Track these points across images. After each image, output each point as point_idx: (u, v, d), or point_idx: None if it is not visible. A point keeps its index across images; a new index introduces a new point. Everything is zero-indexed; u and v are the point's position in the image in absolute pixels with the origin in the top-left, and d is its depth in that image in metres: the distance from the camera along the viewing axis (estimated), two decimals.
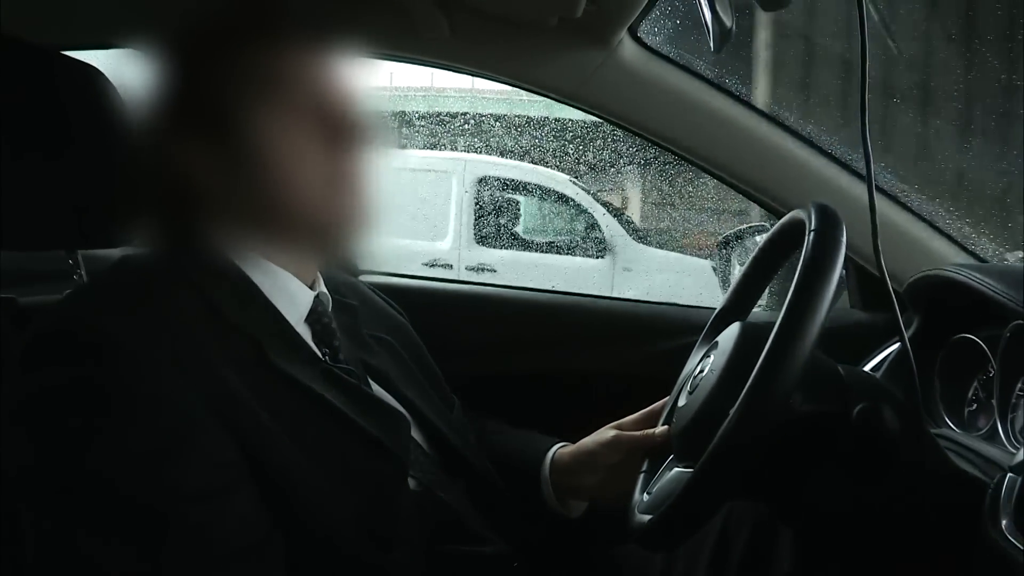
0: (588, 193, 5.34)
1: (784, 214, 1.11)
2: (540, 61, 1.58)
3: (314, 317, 1.01)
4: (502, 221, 5.34)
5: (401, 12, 1.47)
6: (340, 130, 0.94)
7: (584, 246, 5.32)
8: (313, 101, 0.94)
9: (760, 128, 1.60)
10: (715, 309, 1.25)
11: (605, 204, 5.37)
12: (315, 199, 0.94)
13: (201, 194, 0.92)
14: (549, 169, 5.16)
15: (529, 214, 5.58)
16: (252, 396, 0.84)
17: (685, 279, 4.93)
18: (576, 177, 5.25)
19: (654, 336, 1.73)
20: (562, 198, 5.38)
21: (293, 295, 0.98)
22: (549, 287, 1.95)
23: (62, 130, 1.06)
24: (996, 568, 0.84)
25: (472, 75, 1.66)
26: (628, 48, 1.57)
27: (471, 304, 1.80)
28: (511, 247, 5.31)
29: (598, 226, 5.29)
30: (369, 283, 1.32)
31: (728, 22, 1.02)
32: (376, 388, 1.07)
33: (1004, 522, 0.84)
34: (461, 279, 1.86)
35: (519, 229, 5.48)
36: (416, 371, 1.20)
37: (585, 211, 5.34)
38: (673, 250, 5.33)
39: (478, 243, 5.19)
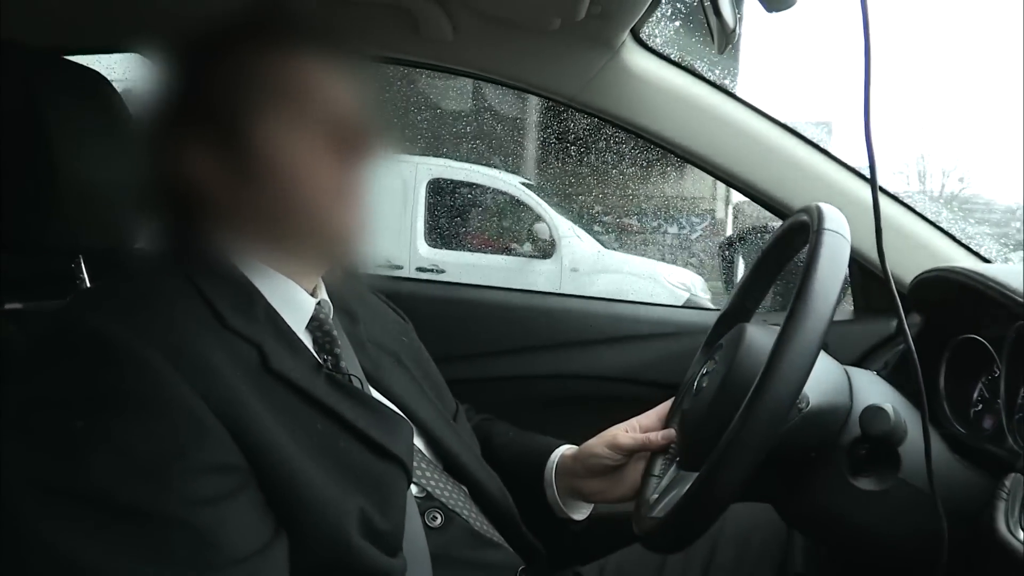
0: (538, 195, 5.36)
1: (788, 215, 1.10)
2: (542, 64, 1.58)
3: (315, 324, 1.01)
4: (452, 223, 5.37)
5: (404, 15, 1.47)
6: (347, 139, 0.94)
7: (533, 247, 5.35)
8: (320, 109, 0.94)
9: (763, 129, 1.60)
10: (719, 311, 1.25)
11: (555, 206, 5.40)
12: (320, 207, 0.94)
13: (206, 200, 0.92)
14: (500, 172, 5.19)
15: (479, 216, 5.61)
16: (255, 401, 0.84)
17: (631, 279, 4.98)
18: (526, 179, 5.27)
19: (660, 338, 1.73)
20: (512, 200, 5.40)
21: (295, 302, 0.98)
22: (551, 289, 1.95)
23: (65, 135, 1.06)
24: (1005, 568, 0.84)
25: (474, 78, 1.66)
26: (630, 50, 1.57)
27: (476, 306, 1.80)
28: (461, 248, 5.34)
29: (547, 227, 5.32)
30: (374, 287, 1.32)
31: (732, 23, 1.02)
32: (377, 395, 1.06)
33: (1012, 522, 0.84)
34: (468, 283, 1.85)
35: (469, 230, 5.51)
36: (419, 378, 1.19)
37: (534, 213, 5.36)
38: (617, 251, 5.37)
39: (429, 244, 5.22)
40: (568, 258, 5.23)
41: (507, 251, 5.47)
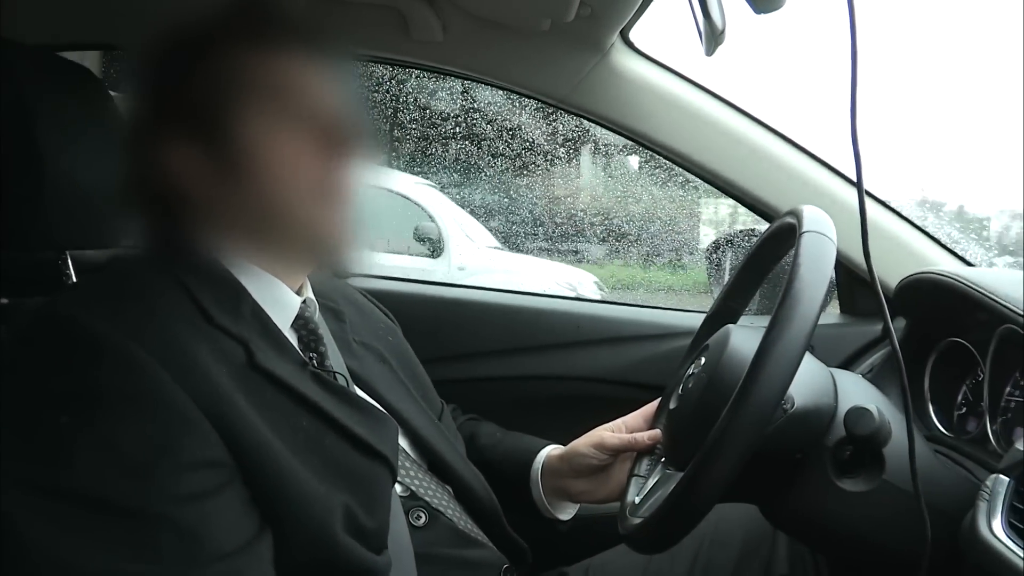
0: (437, 194, 5.34)
1: (775, 218, 1.11)
2: (532, 65, 1.58)
3: (300, 323, 1.01)
4: None
5: (395, 15, 1.47)
6: (331, 137, 0.94)
7: (420, 246, 5.34)
8: (304, 107, 0.93)
9: (751, 132, 1.61)
10: (706, 313, 1.25)
11: (451, 205, 5.37)
12: (305, 206, 0.93)
13: (189, 197, 0.92)
14: (395, 171, 5.19)
15: (369, 214, 5.59)
16: (241, 398, 0.84)
17: (515, 276, 5.00)
18: (424, 179, 5.26)
19: (646, 339, 1.73)
20: (403, 199, 5.38)
21: (281, 300, 0.98)
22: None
23: (54, 131, 1.05)
24: (987, 568, 0.84)
25: (464, 78, 1.67)
26: (620, 52, 1.57)
27: (463, 307, 1.80)
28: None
29: (436, 226, 5.30)
30: (360, 287, 1.32)
31: (720, 25, 1.02)
32: (362, 394, 1.06)
33: (995, 523, 0.85)
34: (452, 283, 1.86)
35: (363, 230, 5.48)
36: (404, 377, 1.19)
37: (425, 211, 5.34)
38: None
39: None
40: (456, 257, 5.21)
41: (398, 250, 5.46)
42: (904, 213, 1.62)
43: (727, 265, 1.78)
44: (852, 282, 1.67)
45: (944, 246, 1.61)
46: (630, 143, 1.63)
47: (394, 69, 2.73)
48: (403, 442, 1.10)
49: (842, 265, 1.62)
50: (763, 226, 1.32)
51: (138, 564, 0.75)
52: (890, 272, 1.44)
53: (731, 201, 1.68)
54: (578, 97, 1.61)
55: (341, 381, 1.00)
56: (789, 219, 1.01)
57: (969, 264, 1.60)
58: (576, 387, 1.74)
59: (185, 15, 0.96)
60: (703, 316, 1.25)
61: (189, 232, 0.93)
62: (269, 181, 0.92)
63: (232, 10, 0.96)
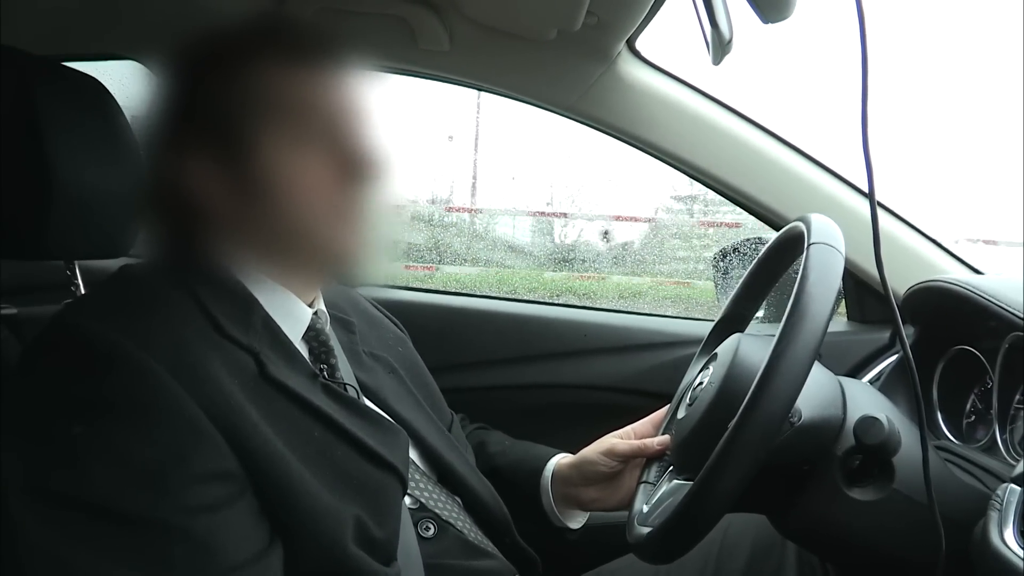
0: None
1: (782, 227, 1.11)
2: (539, 73, 1.58)
3: (311, 335, 1.00)
4: None
5: (402, 25, 1.48)
6: (348, 154, 0.94)
7: None
8: (321, 122, 0.93)
9: (758, 140, 1.61)
10: (714, 321, 1.25)
11: None
12: (321, 223, 0.93)
13: (208, 212, 0.92)
14: None
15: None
16: (253, 409, 0.84)
17: None
18: None
19: (653, 348, 1.73)
20: None
21: (292, 313, 0.98)
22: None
23: (62, 141, 1.05)
24: None
25: (471, 87, 1.67)
26: (626, 61, 1.57)
27: (472, 316, 1.80)
28: None
29: None
30: (369, 296, 1.32)
31: (728, 35, 1.02)
32: (372, 406, 1.06)
33: (1007, 532, 0.84)
34: (460, 291, 1.87)
35: None
36: (413, 388, 1.19)
37: None
38: None
39: None
40: None
41: None
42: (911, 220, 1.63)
43: (733, 273, 1.78)
44: (860, 290, 1.67)
45: (953, 254, 1.61)
46: None
47: None
48: (413, 453, 1.10)
49: (850, 273, 1.62)
50: (770, 234, 1.32)
51: (148, 575, 0.75)
52: (898, 280, 1.44)
53: None
54: (584, 106, 1.61)
55: (351, 393, 1.00)
56: (798, 227, 1.01)
57: (978, 272, 1.60)
58: (584, 395, 1.74)
59: (199, 30, 0.96)
60: (710, 325, 1.25)
61: (204, 245, 0.93)
62: (286, 197, 0.91)
63: (248, 24, 0.96)
